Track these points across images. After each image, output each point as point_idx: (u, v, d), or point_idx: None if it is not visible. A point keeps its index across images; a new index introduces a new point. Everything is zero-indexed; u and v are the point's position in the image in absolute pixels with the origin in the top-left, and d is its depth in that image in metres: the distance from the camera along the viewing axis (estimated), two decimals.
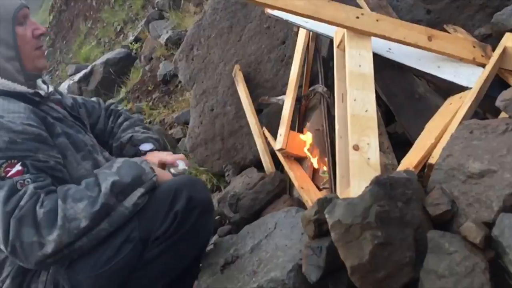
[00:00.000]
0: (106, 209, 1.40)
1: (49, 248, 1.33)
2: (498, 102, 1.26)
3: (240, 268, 1.50)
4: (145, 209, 1.48)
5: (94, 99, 2.05)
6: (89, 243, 1.40)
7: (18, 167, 1.36)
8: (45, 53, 1.73)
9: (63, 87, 6.58)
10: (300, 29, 2.43)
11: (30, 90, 1.55)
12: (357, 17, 1.80)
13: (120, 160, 1.55)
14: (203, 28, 3.19)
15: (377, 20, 1.82)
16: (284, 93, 2.44)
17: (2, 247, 1.36)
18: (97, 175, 1.47)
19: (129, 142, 1.89)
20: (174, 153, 1.89)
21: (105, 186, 1.41)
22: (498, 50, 1.69)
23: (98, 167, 1.60)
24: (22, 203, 1.33)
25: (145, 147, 1.87)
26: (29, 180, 1.36)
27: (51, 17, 11.72)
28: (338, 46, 1.97)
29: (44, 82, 1.71)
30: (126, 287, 1.47)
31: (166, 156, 1.79)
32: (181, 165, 1.78)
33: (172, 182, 1.53)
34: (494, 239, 1.02)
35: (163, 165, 1.78)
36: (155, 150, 1.87)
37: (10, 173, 1.35)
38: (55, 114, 1.60)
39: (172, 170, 1.77)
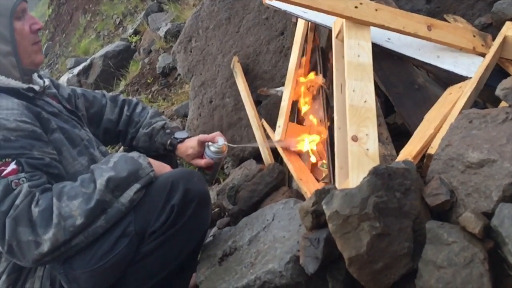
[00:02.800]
0: (101, 206, 1.38)
1: (45, 247, 1.32)
2: (498, 91, 1.24)
3: (238, 260, 1.50)
4: (141, 202, 1.46)
5: (97, 91, 2.04)
6: (86, 240, 1.39)
7: (12, 165, 1.35)
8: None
9: (63, 80, 6.56)
10: (299, 19, 2.41)
11: (24, 86, 1.52)
12: (356, 7, 1.79)
13: (117, 154, 1.54)
14: (201, 20, 3.16)
15: (376, 10, 1.80)
16: (283, 85, 2.42)
17: None
18: (93, 170, 1.45)
19: (163, 128, 1.92)
20: None
21: (100, 182, 1.39)
22: (498, 39, 1.68)
23: (95, 162, 1.58)
24: (17, 202, 1.32)
25: (181, 134, 1.92)
26: (24, 179, 1.35)
27: (50, 11, 11.67)
28: (336, 36, 1.96)
29: (40, 76, 1.69)
30: (124, 281, 1.46)
31: (205, 135, 1.85)
32: (221, 141, 1.82)
33: (169, 175, 1.51)
34: (493, 229, 1.01)
35: (202, 143, 1.84)
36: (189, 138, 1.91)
37: (4, 172, 1.34)
38: (50, 108, 1.59)
39: (212, 148, 1.82)
